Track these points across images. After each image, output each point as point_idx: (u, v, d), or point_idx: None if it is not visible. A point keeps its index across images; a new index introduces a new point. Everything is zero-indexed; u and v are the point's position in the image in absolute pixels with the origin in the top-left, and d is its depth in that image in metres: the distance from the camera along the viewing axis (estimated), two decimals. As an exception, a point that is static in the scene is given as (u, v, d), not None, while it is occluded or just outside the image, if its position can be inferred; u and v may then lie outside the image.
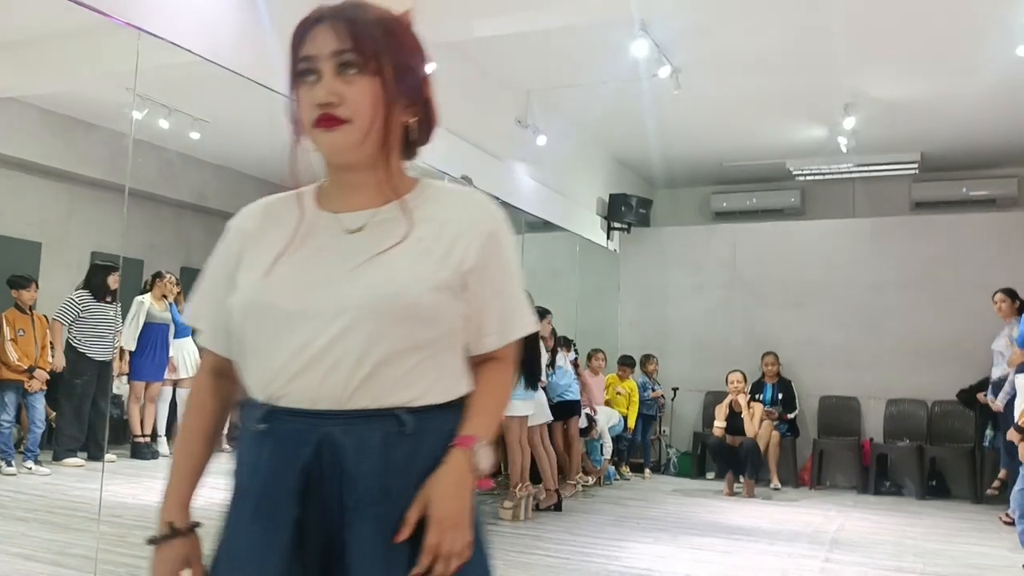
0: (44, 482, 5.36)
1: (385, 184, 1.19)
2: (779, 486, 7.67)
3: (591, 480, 7.20)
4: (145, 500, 4.88)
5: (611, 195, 8.86)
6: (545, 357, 6.56)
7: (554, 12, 4.96)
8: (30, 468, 5.43)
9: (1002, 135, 7.62)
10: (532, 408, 5.69)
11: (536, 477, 5.93)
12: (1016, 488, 4.29)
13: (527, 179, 7.10)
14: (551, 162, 7.37)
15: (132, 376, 6.28)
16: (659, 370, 8.67)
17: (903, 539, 5.56)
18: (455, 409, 1.20)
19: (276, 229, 1.22)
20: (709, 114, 7.38)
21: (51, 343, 5.76)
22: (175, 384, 6.47)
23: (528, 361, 5.28)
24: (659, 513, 6.21)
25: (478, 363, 1.26)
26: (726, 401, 7.46)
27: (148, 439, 6.26)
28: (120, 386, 6.34)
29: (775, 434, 7.87)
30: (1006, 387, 6.13)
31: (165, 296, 6.41)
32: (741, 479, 7.31)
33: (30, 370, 5.56)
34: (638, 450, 8.42)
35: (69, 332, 5.86)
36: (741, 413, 7.35)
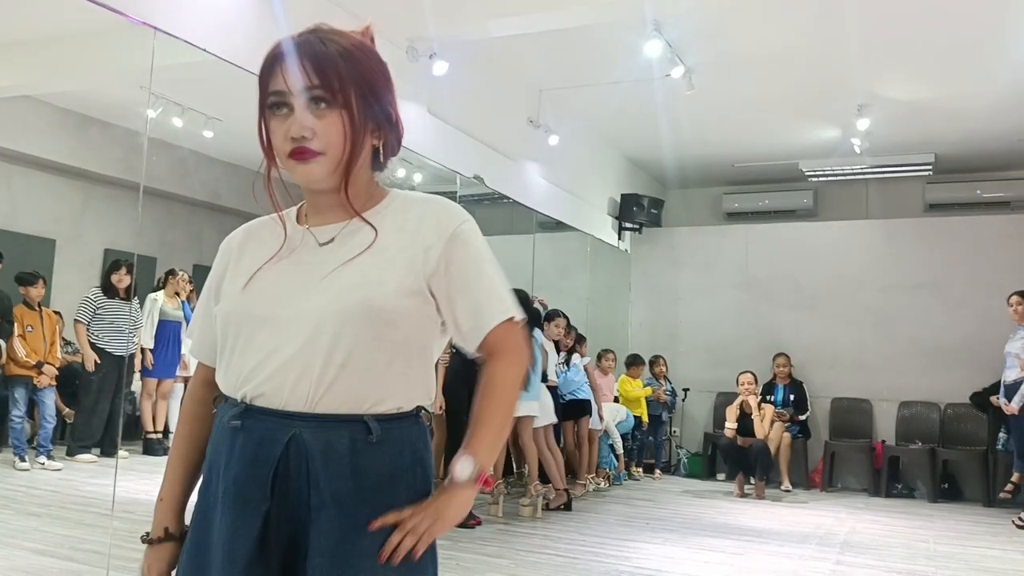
0: (57, 477, 5.40)
1: (355, 200, 1.25)
2: (790, 488, 7.65)
3: (603, 484, 7.20)
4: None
5: (623, 195, 8.85)
6: (561, 356, 6.57)
7: (569, 12, 4.95)
8: (43, 464, 5.48)
9: (1016, 137, 7.56)
10: (536, 409, 5.69)
11: (545, 477, 5.95)
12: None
13: (539, 179, 7.09)
14: (563, 162, 7.36)
15: (144, 373, 6.33)
16: (667, 371, 8.66)
17: (915, 542, 5.53)
18: (416, 418, 1.26)
19: (258, 245, 1.31)
20: (722, 114, 7.36)
21: (64, 340, 5.79)
22: (187, 381, 6.50)
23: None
24: (669, 514, 6.20)
25: (484, 362, 1.29)
26: (737, 402, 7.44)
27: (160, 435, 6.30)
28: (135, 382, 6.39)
29: (786, 436, 7.85)
30: (1022, 389, 6.10)
31: (178, 294, 6.45)
32: (752, 480, 7.30)
33: (38, 366, 5.60)
34: (649, 450, 8.42)
35: (87, 329, 5.92)
36: (752, 415, 7.34)
